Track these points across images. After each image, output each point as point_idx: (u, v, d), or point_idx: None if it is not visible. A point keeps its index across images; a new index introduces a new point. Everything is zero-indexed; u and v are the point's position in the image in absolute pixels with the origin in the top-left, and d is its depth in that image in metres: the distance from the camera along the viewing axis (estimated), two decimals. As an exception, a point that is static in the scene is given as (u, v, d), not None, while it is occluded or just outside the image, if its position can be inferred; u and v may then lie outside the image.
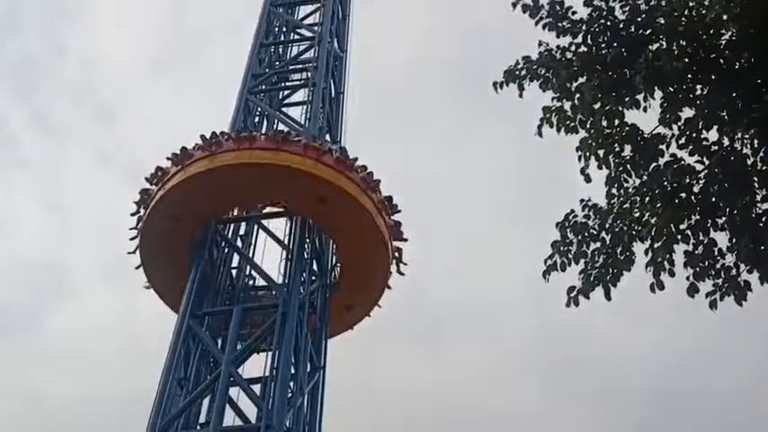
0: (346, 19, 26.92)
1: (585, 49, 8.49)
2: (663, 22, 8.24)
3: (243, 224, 22.03)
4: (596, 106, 8.41)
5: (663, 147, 8.25)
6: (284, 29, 26.75)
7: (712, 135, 8.09)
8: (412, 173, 45.63)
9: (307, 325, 19.21)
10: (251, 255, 21.57)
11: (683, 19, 8.15)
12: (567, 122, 8.56)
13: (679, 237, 7.95)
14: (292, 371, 18.23)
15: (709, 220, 7.95)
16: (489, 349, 45.47)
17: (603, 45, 8.44)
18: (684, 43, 8.06)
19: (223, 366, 17.96)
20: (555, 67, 8.54)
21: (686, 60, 7.97)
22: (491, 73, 8.82)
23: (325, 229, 20.54)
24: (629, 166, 8.37)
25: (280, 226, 21.36)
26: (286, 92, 25.23)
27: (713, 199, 7.96)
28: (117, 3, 58.84)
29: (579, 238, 8.36)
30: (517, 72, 8.71)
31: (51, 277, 50.62)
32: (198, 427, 18.20)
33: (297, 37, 26.43)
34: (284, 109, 24.37)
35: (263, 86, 24.51)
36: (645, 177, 8.26)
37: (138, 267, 20.50)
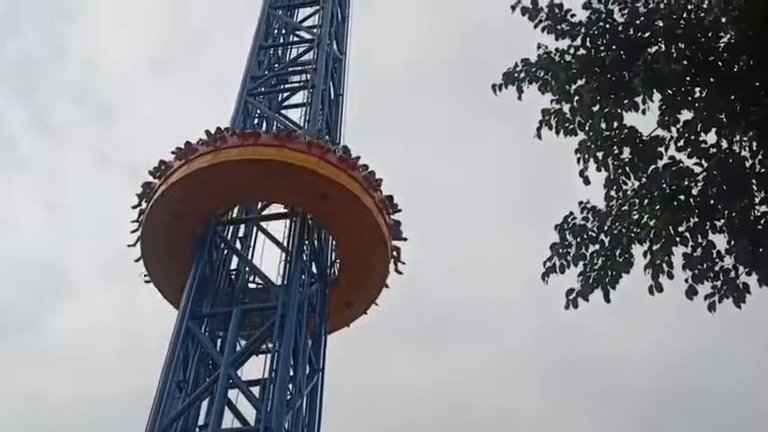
0: (345, 21, 26.95)
1: (584, 52, 8.50)
2: (661, 24, 8.26)
3: (242, 226, 22.06)
4: (595, 109, 8.42)
5: (661, 149, 8.25)
6: (283, 31, 26.78)
7: (711, 137, 8.10)
8: (412, 173, 45.74)
9: (306, 327, 19.22)
10: (250, 257, 21.59)
11: (682, 22, 8.16)
12: (566, 125, 8.58)
13: (678, 239, 7.96)
14: (291, 373, 18.23)
15: (708, 223, 7.95)
16: (490, 349, 45.54)
17: (602, 48, 8.46)
18: (683, 46, 8.08)
19: (222, 368, 17.96)
20: (554, 69, 8.56)
21: (685, 63, 7.98)
22: (491, 74, 8.84)
23: (326, 226, 20.62)
24: (627, 169, 8.38)
25: (279, 228, 21.40)
26: (285, 94, 25.24)
27: (712, 201, 7.97)
28: (117, 3, 59.01)
29: (578, 240, 8.36)
30: (516, 74, 8.73)
31: (51, 277, 50.71)
32: (197, 430, 18.18)
33: (296, 39, 26.46)
34: (283, 111, 24.38)
35: (263, 88, 24.53)
36: (644, 180, 8.27)
37: (137, 260, 20.52)
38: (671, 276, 7.92)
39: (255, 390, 18.10)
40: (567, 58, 8.56)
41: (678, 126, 8.20)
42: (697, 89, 8.14)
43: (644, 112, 8.34)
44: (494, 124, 44.46)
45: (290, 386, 18.11)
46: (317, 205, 19.74)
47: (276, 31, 26.68)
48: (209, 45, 57.56)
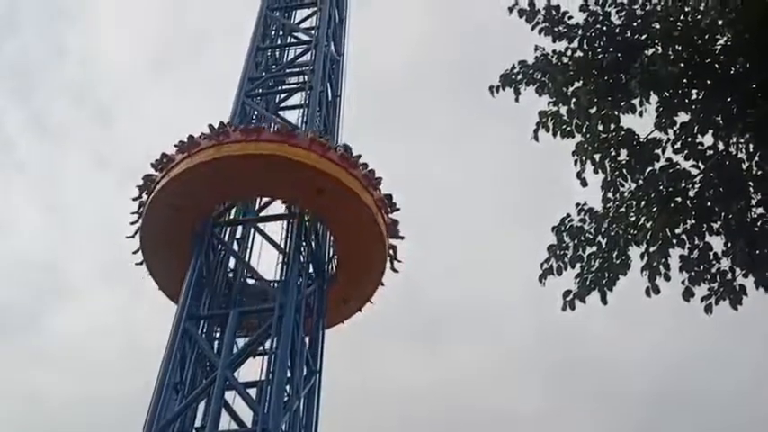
0: (343, 22, 26.95)
1: (581, 54, 8.52)
2: (658, 27, 8.27)
3: (239, 227, 22.07)
4: (592, 111, 8.43)
5: (658, 151, 8.27)
6: (281, 32, 26.78)
7: (707, 140, 8.13)
8: (412, 174, 45.72)
9: (304, 327, 19.24)
10: (247, 258, 21.59)
11: (679, 24, 8.18)
12: (563, 127, 8.59)
13: (674, 241, 7.98)
14: (289, 374, 18.22)
15: (705, 225, 7.97)
16: (489, 350, 45.54)
17: (599, 50, 8.47)
18: (680, 48, 8.10)
19: (219, 370, 17.93)
20: (551, 71, 8.57)
21: (681, 65, 8.00)
22: (490, 75, 8.85)
23: (326, 223, 20.73)
24: (624, 171, 8.39)
25: (276, 229, 21.42)
26: (283, 95, 25.23)
27: (708, 203, 7.98)
28: (116, 3, 58.91)
29: (575, 242, 8.38)
30: (513, 76, 8.74)
31: (50, 278, 50.65)
32: (193, 431, 18.17)
33: (293, 40, 26.47)
34: (281, 112, 24.35)
35: (260, 90, 24.52)
36: (640, 182, 8.29)
37: (135, 252, 20.55)
38: (668, 278, 7.94)
39: (252, 391, 18.08)
40: (565, 60, 8.57)
41: (675, 128, 8.22)
42: (694, 91, 8.16)
43: (641, 114, 8.36)
44: (493, 125, 44.47)
45: (288, 388, 18.09)
46: (317, 201, 19.85)
47: (273, 33, 26.66)
48: (208, 46, 57.62)
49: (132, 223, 20.43)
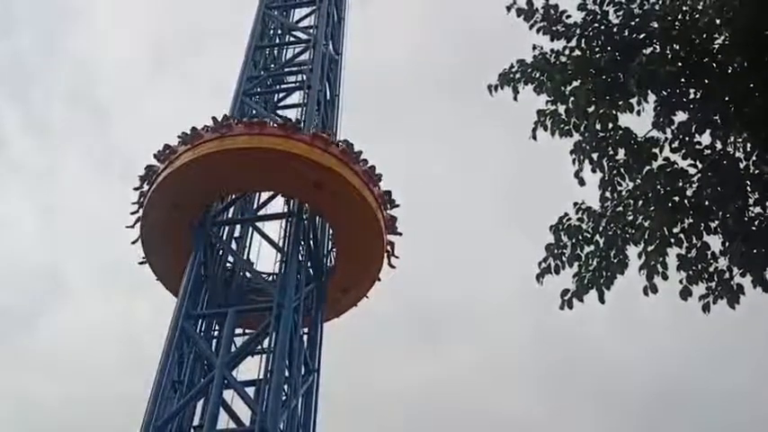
0: (342, 22, 26.96)
1: (579, 53, 8.51)
2: (656, 26, 8.27)
3: (238, 227, 22.06)
4: (590, 110, 8.42)
5: (656, 150, 8.27)
6: (279, 31, 26.77)
7: (705, 139, 8.13)
8: (411, 174, 45.77)
9: (303, 321, 19.33)
10: (246, 256, 21.60)
11: (677, 23, 8.18)
12: (562, 126, 8.58)
13: (672, 240, 7.97)
14: (287, 373, 18.22)
15: (702, 224, 7.97)
16: (489, 350, 45.53)
17: (597, 49, 8.46)
18: (678, 47, 8.10)
19: (217, 369, 17.93)
20: (549, 70, 8.57)
21: (679, 64, 8.00)
22: (489, 74, 8.85)
23: (326, 218, 20.81)
24: (622, 170, 8.39)
25: (274, 228, 21.43)
26: (281, 94, 25.25)
27: (706, 202, 7.99)
28: (114, 3, 58.83)
29: (573, 241, 8.37)
30: (511, 75, 8.73)
31: (48, 280, 50.63)
32: (191, 430, 18.16)
33: (292, 39, 26.47)
34: (279, 111, 24.37)
35: (259, 89, 24.53)
36: (638, 181, 8.28)
37: (134, 242, 20.56)
38: (665, 277, 7.94)
39: (250, 390, 18.08)
40: (563, 59, 8.56)
41: (673, 127, 8.22)
42: (692, 90, 8.16)
43: (639, 113, 8.35)
44: (493, 124, 44.50)
45: (286, 387, 18.10)
46: (318, 196, 19.93)
47: (272, 32, 26.67)
48: (207, 45, 57.58)
49: (132, 213, 20.47)
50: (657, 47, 8.19)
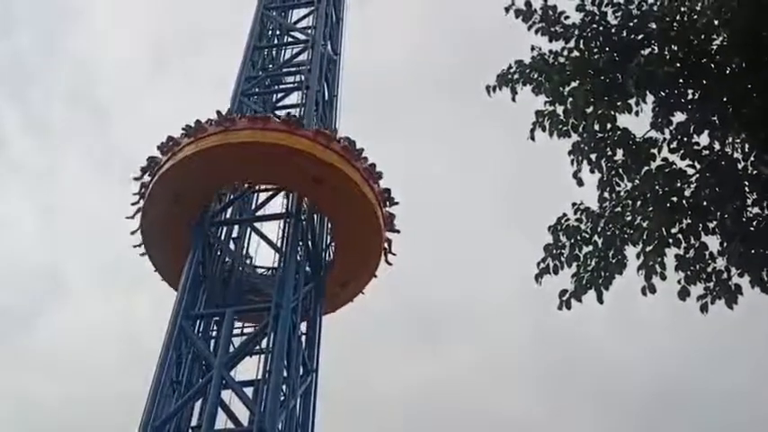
0: (340, 22, 26.97)
1: (578, 54, 8.51)
2: (655, 27, 8.28)
3: (236, 227, 22.06)
4: (588, 110, 8.43)
5: (654, 151, 8.28)
6: (277, 32, 26.77)
7: (703, 139, 8.14)
8: (410, 174, 45.81)
9: (301, 318, 19.40)
10: (244, 257, 21.60)
11: (675, 24, 8.19)
12: (560, 126, 8.58)
13: (670, 240, 7.98)
14: (285, 374, 18.22)
15: (701, 224, 7.97)
16: (488, 350, 45.58)
17: (596, 50, 8.47)
18: (676, 48, 8.11)
19: (215, 369, 17.93)
20: (547, 71, 8.56)
21: (678, 65, 8.01)
22: (488, 74, 8.86)
23: (326, 213, 20.88)
24: (621, 170, 8.40)
25: (273, 228, 21.46)
26: (279, 95, 25.26)
27: (704, 203, 8.00)
28: (114, 3, 58.77)
29: (572, 241, 8.38)
30: (510, 76, 8.73)
31: (48, 280, 50.61)
32: (189, 431, 18.15)
33: (290, 40, 26.47)
34: (278, 112, 24.36)
35: (257, 89, 24.54)
36: (637, 181, 8.29)
37: (134, 232, 20.60)
38: (664, 278, 7.94)
39: (249, 390, 18.07)
40: (561, 59, 8.56)
41: (671, 128, 8.23)
42: (690, 91, 8.17)
43: (637, 113, 8.36)
44: (492, 125, 44.52)
45: (284, 387, 18.09)
46: (319, 191, 20.02)
47: (270, 32, 26.67)
48: (207, 45, 57.56)
49: (133, 204, 20.51)
50: (656, 48, 8.20)
